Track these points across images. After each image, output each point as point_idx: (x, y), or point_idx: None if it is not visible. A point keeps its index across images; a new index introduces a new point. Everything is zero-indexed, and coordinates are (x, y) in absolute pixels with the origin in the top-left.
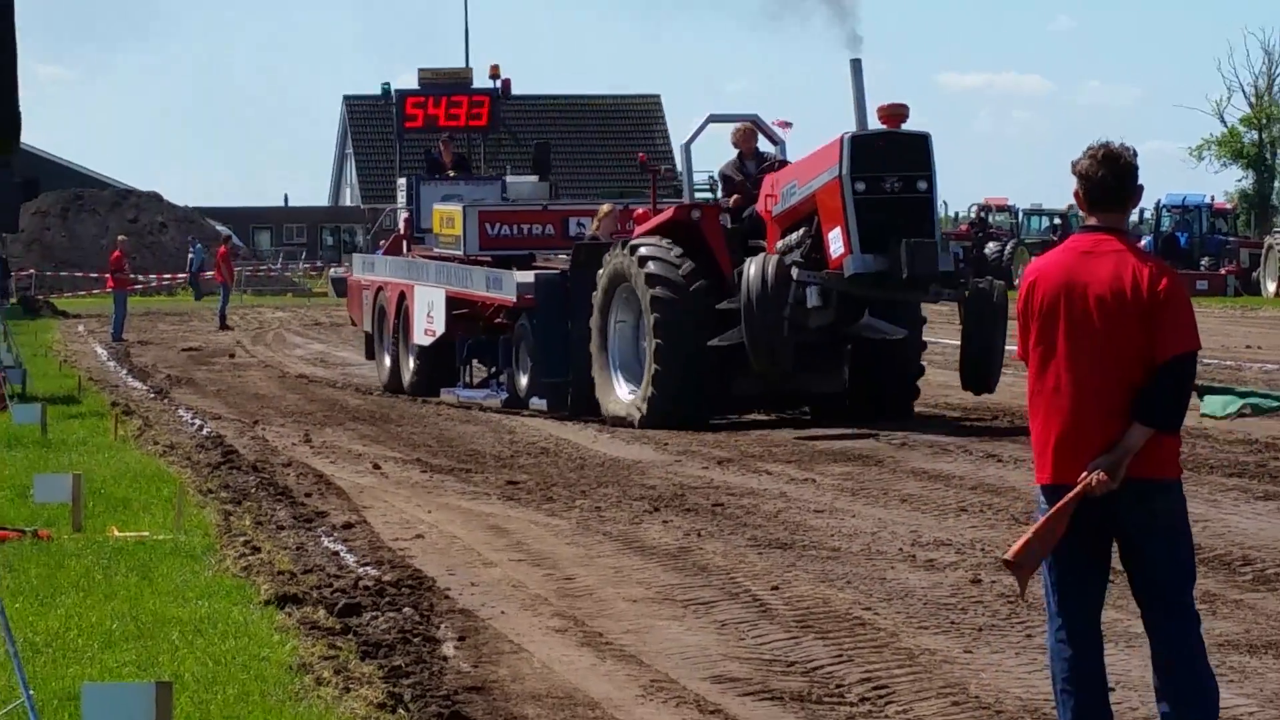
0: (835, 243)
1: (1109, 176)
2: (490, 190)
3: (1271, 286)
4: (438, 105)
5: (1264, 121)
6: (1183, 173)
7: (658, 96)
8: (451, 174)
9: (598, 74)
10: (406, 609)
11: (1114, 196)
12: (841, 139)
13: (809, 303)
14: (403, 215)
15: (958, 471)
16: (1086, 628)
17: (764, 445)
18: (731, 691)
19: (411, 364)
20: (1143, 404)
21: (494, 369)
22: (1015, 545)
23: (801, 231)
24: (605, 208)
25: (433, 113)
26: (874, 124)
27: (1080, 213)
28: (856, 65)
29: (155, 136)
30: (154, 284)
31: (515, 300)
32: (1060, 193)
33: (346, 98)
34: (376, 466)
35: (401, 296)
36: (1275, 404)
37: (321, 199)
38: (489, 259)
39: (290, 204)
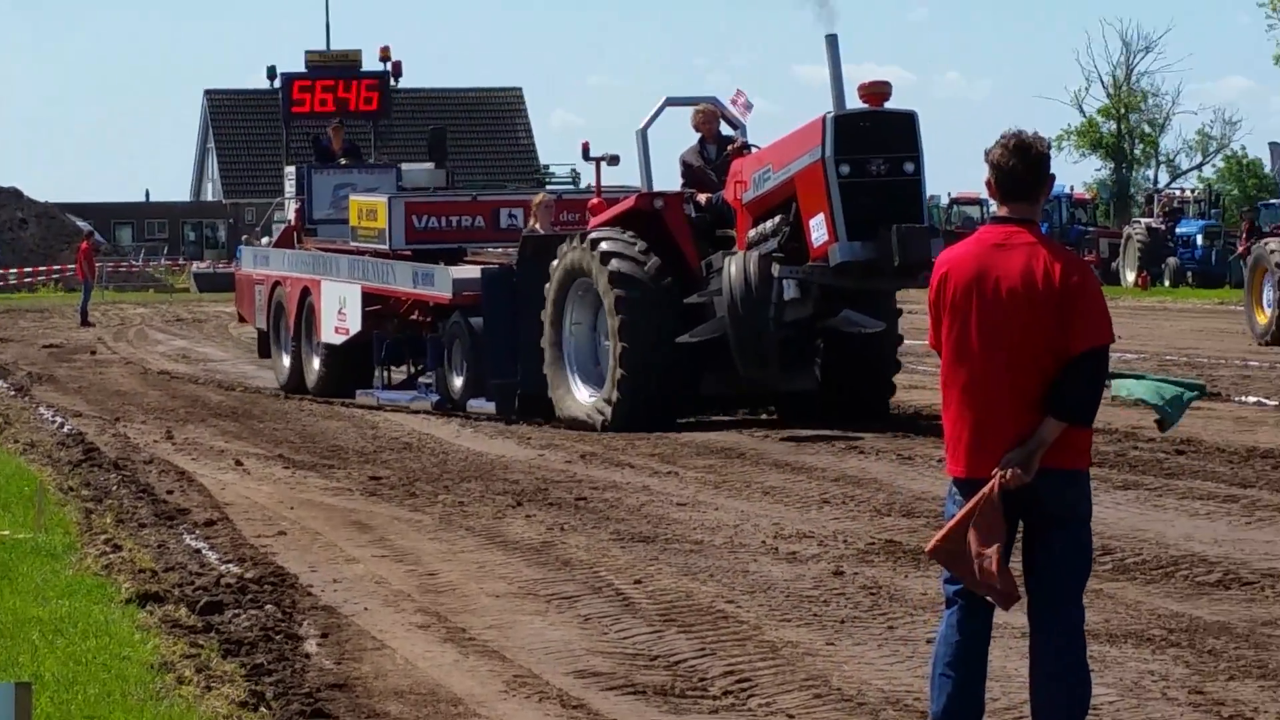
0: (818, 230)
1: (1020, 166)
2: (385, 179)
3: (1130, 276)
4: (327, 89)
5: (1122, 111)
6: None
7: (519, 89)
8: (343, 161)
9: (460, 64)
10: (269, 606)
11: (1025, 187)
12: (824, 119)
13: (786, 295)
14: (293, 206)
15: (819, 463)
16: (983, 617)
17: (626, 439)
18: (595, 686)
19: (316, 364)
20: (1056, 398)
21: (419, 368)
22: (935, 538)
23: (778, 219)
24: (539, 198)
25: (321, 96)
26: (853, 103)
27: (940, 204)
28: (832, 41)
29: (14, 132)
30: (14, 281)
31: (451, 297)
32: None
33: (207, 91)
34: (239, 463)
35: (305, 292)
36: (1176, 410)
37: (183, 194)
38: (410, 253)
39: (151, 199)
